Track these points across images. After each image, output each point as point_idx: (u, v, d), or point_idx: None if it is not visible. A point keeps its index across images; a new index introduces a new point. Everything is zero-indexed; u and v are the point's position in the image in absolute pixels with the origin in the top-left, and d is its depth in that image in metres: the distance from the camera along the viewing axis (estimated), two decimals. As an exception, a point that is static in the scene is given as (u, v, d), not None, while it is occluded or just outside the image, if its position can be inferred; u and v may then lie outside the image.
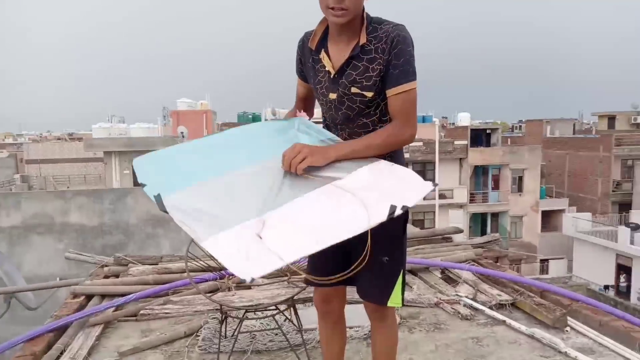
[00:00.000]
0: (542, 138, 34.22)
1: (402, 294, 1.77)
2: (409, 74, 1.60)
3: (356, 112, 1.68)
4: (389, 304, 1.76)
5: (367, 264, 1.68)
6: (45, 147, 25.22)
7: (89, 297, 3.43)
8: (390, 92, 1.62)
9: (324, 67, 1.69)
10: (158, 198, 1.51)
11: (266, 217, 1.43)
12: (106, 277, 3.86)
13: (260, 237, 1.36)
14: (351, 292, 1.92)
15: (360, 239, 1.56)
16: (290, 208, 1.47)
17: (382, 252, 1.69)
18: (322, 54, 1.69)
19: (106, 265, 4.02)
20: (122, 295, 3.35)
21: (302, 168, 1.55)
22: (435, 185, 1.61)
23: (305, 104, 1.93)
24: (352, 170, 1.57)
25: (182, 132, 25.62)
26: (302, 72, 1.82)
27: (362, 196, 1.46)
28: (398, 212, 1.41)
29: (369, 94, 1.63)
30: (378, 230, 1.52)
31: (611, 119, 37.72)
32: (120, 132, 22.19)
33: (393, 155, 1.72)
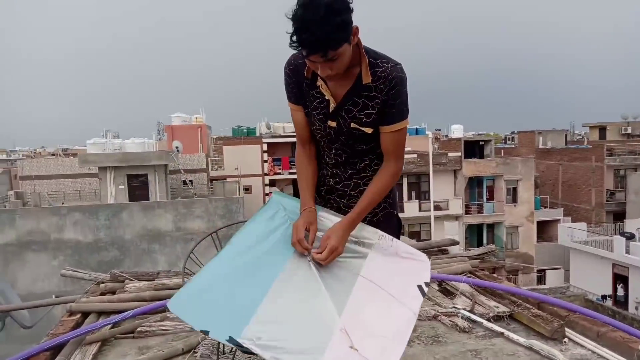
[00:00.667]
0: (534, 149, 34.47)
1: None
2: (404, 113, 1.69)
3: (355, 139, 1.75)
4: None
5: None
6: (40, 163, 25.13)
7: (86, 314, 3.40)
8: (385, 129, 1.69)
9: (322, 95, 1.70)
10: (232, 340, 1.42)
11: (342, 325, 1.49)
12: (102, 294, 3.83)
13: (357, 349, 1.44)
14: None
15: None
16: (351, 311, 1.55)
17: None
18: (320, 83, 1.68)
19: (102, 282, 3.99)
20: (119, 312, 3.32)
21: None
22: (429, 257, 1.83)
23: (306, 134, 1.84)
24: (361, 253, 1.73)
25: (177, 147, 25.64)
26: (298, 95, 1.76)
27: (393, 291, 1.63)
28: (425, 289, 1.63)
29: (368, 130, 1.70)
30: None
31: (602, 129, 38.13)
32: (115, 148, 22.16)
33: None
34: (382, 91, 1.64)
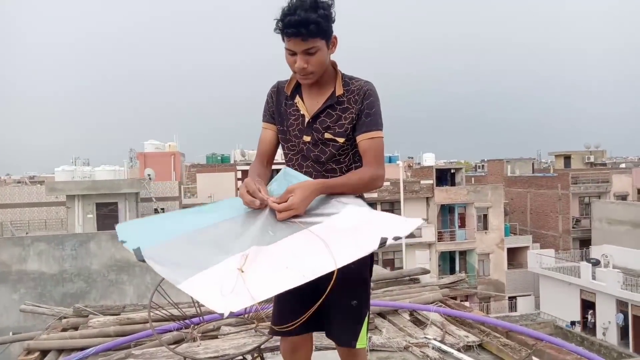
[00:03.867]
0: (503, 177, 35.46)
1: (367, 334, 1.85)
2: (378, 124, 1.76)
3: (327, 155, 1.78)
4: (358, 346, 1.80)
5: (336, 307, 1.75)
6: (4, 191, 24.25)
7: (45, 352, 3.25)
8: (361, 137, 1.74)
9: (298, 111, 1.80)
10: (137, 250, 1.50)
11: (249, 251, 1.44)
12: (64, 329, 3.68)
13: (242, 271, 1.37)
14: (317, 338, 1.92)
15: (327, 287, 1.59)
16: (273, 247, 1.48)
17: (351, 296, 1.77)
18: (297, 99, 1.80)
19: (65, 317, 3.84)
20: (81, 349, 3.20)
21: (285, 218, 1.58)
22: (425, 219, 1.70)
23: (270, 153, 1.93)
24: (335, 212, 1.61)
25: (149, 175, 25.24)
26: (273, 115, 1.87)
27: (346, 234, 1.50)
28: (390, 242, 1.45)
29: (341, 140, 1.75)
30: (346, 275, 1.55)
31: (567, 158, 39.62)
32: (85, 175, 21.66)
33: (362, 197, 1.81)
34: (357, 102, 1.73)
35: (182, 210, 1.87)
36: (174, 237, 1.58)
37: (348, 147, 1.77)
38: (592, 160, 38.57)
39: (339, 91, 1.74)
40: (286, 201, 1.58)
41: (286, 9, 1.62)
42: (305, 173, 1.81)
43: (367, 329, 1.85)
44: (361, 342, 1.80)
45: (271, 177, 1.89)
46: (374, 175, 1.74)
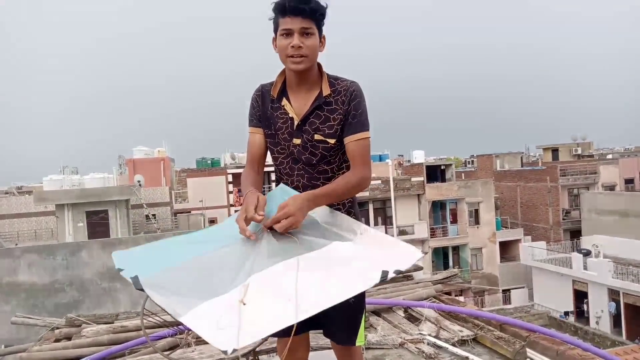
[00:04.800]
0: (493, 171, 35.72)
1: (364, 331, 1.87)
2: (365, 125, 1.76)
3: (318, 157, 1.77)
4: (357, 343, 1.83)
5: (335, 307, 1.71)
6: (-9, 203, 23.94)
7: (38, 364, 3.22)
8: (348, 139, 1.74)
9: (286, 114, 1.78)
10: (135, 279, 1.47)
11: (250, 281, 1.40)
12: (57, 340, 3.65)
13: (244, 303, 1.34)
14: (312, 338, 1.93)
15: None
16: (273, 272, 1.44)
17: None
18: (284, 102, 1.78)
19: (57, 328, 3.81)
20: (75, 359, 3.17)
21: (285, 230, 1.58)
22: (424, 253, 1.68)
23: (261, 158, 1.91)
24: (336, 238, 1.60)
25: (138, 181, 25.06)
26: (260, 119, 1.85)
27: (353, 265, 1.48)
28: (391, 275, 1.44)
29: (331, 141, 1.75)
30: None
31: (554, 151, 40.03)
32: (74, 184, 21.45)
33: (352, 200, 1.85)
34: (344, 103, 1.74)
35: (179, 237, 1.83)
36: (173, 266, 1.55)
37: (338, 148, 1.78)
38: (579, 152, 39.00)
39: (326, 91, 1.74)
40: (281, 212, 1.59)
41: None
42: (297, 175, 1.81)
43: (364, 327, 1.87)
44: (360, 340, 1.82)
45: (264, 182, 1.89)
46: (361, 179, 1.74)
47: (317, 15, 1.68)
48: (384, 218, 27.66)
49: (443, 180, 29.07)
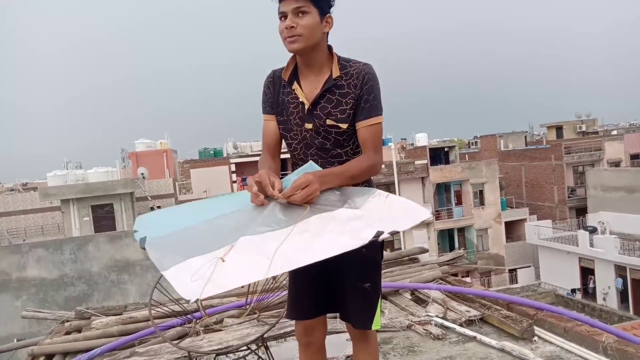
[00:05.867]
0: (497, 152, 35.55)
1: (380, 315, 1.88)
2: (378, 109, 1.73)
3: (332, 142, 1.76)
4: (373, 327, 1.83)
5: (351, 291, 1.79)
6: (-3, 200, 24.09)
7: (50, 356, 3.26)
8: (360, 125, 1.72)
9: (297, 98, 1.76)
10: (142, 239, 1.56)
11: (239, 242, 1.44)
12: (68, 333, 3.68)
13: (223, 260, 1.38)
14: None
15: (342, 267, 1.74)
16: (265, 237, 1.46)
17: (364, 279, 1.79)
18: (295, 86, 1.76)
19: (67, 321, 3.84)
20: (86, 351, 3.20)
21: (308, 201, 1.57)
22: (432, 214, 1.70)
23: (276, 145, 1.89)
24: (344, 205, 1.59)
25: (142, 174, 25.10)
26: (273, 105, 1.83)
27: (347, 225, 1.48)
28: (385, 236, 1.45)
29: (344, 126, 1.72)
30: (359, 259, 1.68)
31: (559, 129, 39.70)
32: (78, 179, 21.51)
33: (369, 181, 1.84)
34: (356, 86, 1.70)
35: (201, 201, 1.88)
36: (182, 228, 1.62)
37: (351, 132, 1.75)
38: (583, 129, 38.69)
39: (336, 73, 1.72)
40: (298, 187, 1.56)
41: None
42: (304, 150, 1.80)
43: (380, 311, 1.87)
44: (376, 324, 1.83)
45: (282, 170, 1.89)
46: (372, 164, 1.73)
47: None
48: (389, 202, 27.66)
49: (447, 162, 28.97)
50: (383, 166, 27.54)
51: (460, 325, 3.25)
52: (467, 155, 37.20)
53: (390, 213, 1.54)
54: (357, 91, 1.70)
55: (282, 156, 2.03)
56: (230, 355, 2.76)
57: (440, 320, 3.32)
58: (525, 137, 41.41)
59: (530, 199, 32.61)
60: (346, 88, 1.71)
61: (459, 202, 28.38)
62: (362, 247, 1.56)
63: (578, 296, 23.36)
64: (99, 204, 19.76)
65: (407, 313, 3.55)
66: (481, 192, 28.41)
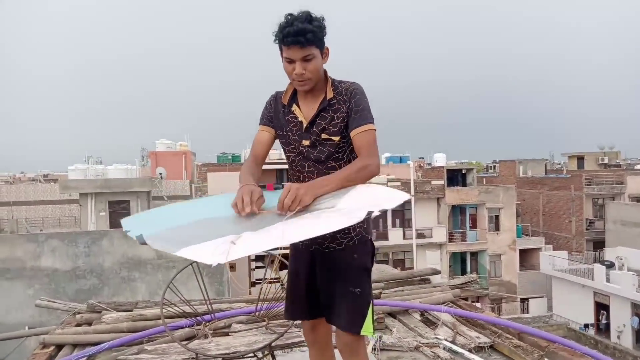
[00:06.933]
0: (515, 178, 35.10)
1: (372, 323, 1.92)
2: (368, 118, 1.86)
3: (326, 154, 1.90)
4: (362, 332, 1.89)
5: (341, 295, 1.88)
6: (19, 189, 24.62)
7: (60, 347, 3.30)
8: (353, 133, 1.85)
9: (296, 118, 1.94)
10: (140, 236, 1.62)
11: (243, 235, 1.52)
12: (78, 325, 3.73)
13: (234, 243, 1.46)
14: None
15: (334, 272, 1.89)
16: (264, 230, 1.57)
17: (353, 284, 1.89)
18: (294, 107, 1.94)
19: (79, 313, 3.90)
20: (95, 344, 3.24)
21: (295, 209, 1.66)
22: (412, 196, 1.80)
23: (264, 154, 2.06)
24: (333, 202, 1.71)
25: (160, 173, 25.43)
26: (271, 120, 2.02)
27: (337, 208, 1.63)
28: (376, 214, 1.55)
29: (336, 138, 1.88)
30: (349, 264, 1.88)
31: (580, 159, 39.11)
32: (97, 174, 21.89)
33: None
34: (346, 102, 1.87)
35: (183, 202, 2.02)
36: (176, 227, 1.72)
37: (344, 144, 1.89)
38: (606, 161, 38.03)
39: (330, 94, 1.88)
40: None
41: (284, 22, 1.79)
42: (307, 172, 1.93)
43: (373, 319, 1.92)
44: (367, 330, 1.88)
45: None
46: (365, 164, 1.80)
47: (316, 41, 1.79)
48: (402, 220, 27.46)
49: (464, 184, 28.70)
50: (399, 183, 27.45)
51: (470, 351, 3.20)
52: (484, 179, 36.83)
53: (375, 197, 1.69)
54: (346, 105, 1.86)
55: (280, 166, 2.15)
56: (237, 361, 2.76)
57: (449, 344, 3.28)
58: (546, 165, 40.87)
59: (547, 228, 32.05)
60: (337, 104, 1.87)
61: (474, 226, 28.03)
62: (354, 253, 1.89)
63: (591, 331, 22.75)
64: (116, 200, 20.04)
65: (416, 334, 3.52)
66: (497, 217, 28.04)
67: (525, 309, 26.96)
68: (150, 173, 26.55)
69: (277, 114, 2.00)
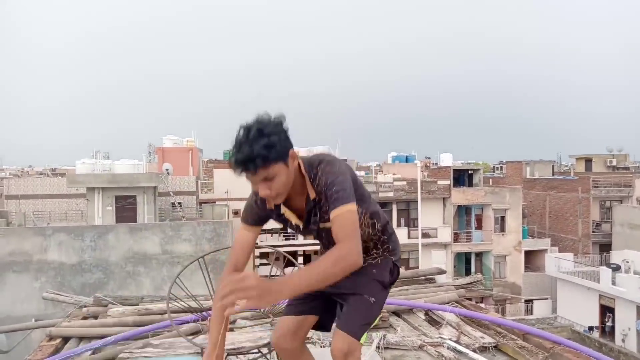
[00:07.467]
0: (522, 179, 34.91)
1: (367, 335, 2.01)
2: (344, 199, 1.73)
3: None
4: (361, 340, 1.92)
5: (355, 300, 1.90)
6: (26, 183, 24.81)
7: (66, 339, 3.33)
8: (331, 217, 1.73)
9: (290, 219, 1.89)
10: None
11: None
12: (84, 318, 3.77)
13: None
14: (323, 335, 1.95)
15: (355, 281, 1.86)
16: None
17: (370, 292, 1.92)
18: (284, 209, 1.87)
19: (85, 306, 3.93)
20: (101, 337, 3.27)
21: (236, 307, 1.43)
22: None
23: (243, 260, 1.91)
24: None
25: (167, 169, 25.53)
26: (261, 220, 1.92)
27: None
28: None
29: (330, 225, 1.81)
30: (370, 276, 1.93)
31: (588, 161, 38.81)
32: (104, 168, 22.01)
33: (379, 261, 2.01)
34: (322, 192, 1.78)
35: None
36: None
37: None
38: (614, 163, 37.72)
39: (312, 195, 1.80)
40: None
41: (234, 144, 1.65)
42: (323, 247, 1.98)
43: (366, 334, 2.00)
44: (364, 338, 1.94)
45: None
46: (341, 254, 1.62)
47: (271, 161, 1.64)
48: (407, 219, 27.42)
49: (470, 185, 28.60)
50: (404, 183, 27.26)
51: (474, 351, 3.20)
52: (491, 180, 36.64)
53: None
54: (324, 191, 1.76)
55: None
56: (241, 356, 2.77)
57: (453, 344, 3.28)
58: (553, 166, 40.58)
59: (553, 230, 31.87)
60: (320, 198, 1.79)
61: (479, 227, 27.94)
62: (374, 268, 1.94)
63: (595, 334, 22.63)
64: (123, 195, 20.14)
65: (420, 333, 3.52)
66: (503, 218, 27.92)
67: (529, 310, 26.85)
68: (157, 169, 26.67)
69: (268, 214, 1.91)
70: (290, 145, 1.72)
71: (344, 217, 1.69)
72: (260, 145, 1.61)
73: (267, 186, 1.68)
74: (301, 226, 1.88)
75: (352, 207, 1.72)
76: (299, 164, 1.79)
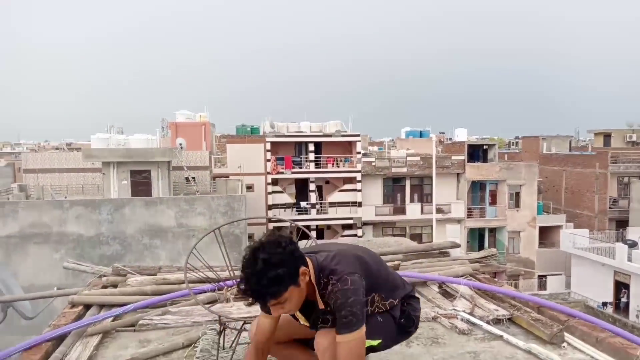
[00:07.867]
0: (538, 154, 34.42)
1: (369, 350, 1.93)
2: (351, 324, 1.73)
3: None
4: (352, 337, 1.88)
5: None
6: (44, 157, 25.21)
7: (87, 306, 3.42)
8: (337, 339, 1.75)
9: (298, 318, 1.93)
10: None
11: None
12: (104, 287, 3.86)
13: None
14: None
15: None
16: None
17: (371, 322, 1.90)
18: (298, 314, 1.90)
19: (104, 276, 4.02)
20: (121, 305, 3.35)
21: None
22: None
23: (264, 339, 1.97)
24: None
25: (180, 144, 25.68)
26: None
27: None
28: None
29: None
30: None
31: (607, 136, 38.01)
32: (119, 143, 22.21)
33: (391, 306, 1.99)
34: (332, 306, 1.78)
35: None
36: None
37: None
38: (634, 139, 36.90)
39: (321, 306, 1.82)
40: None
41: (242, 275, 1.67)
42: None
43: (372, 350, 1.94)
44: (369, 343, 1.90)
45: None
46: None
47: (280, 292, 1.68)
48: (421, 195, 27.35)
49: (485, 160, 28.31)
50: (418, 158, 27.05)
51: (488, 323, 3.21)
52: (506, 155, 36.22)
53: None
54: (333, 309, 1.77)
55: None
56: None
57: (467, 316, 3.29)
58: (570, 142, 39.89)
59: (569, 206, 31.53)
60: (326, 307, 1.81)
61: (493, 202, 27.76)
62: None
63: (609, 310, 22.61)
64: (138, 169, 20.37)
65: (434, 305, 3.54)
66: (517, 194, 27.68)
67: (542, 285, 26.86)
68: (170, 143, 26.84)
69: None
70: (300, 264, 1.72)
71: (350, 347, 1.71)
72: (269, 280, 1.63)
73: (280, 308, 1.74)
74: (308, 325, 1.91)
75: (359, 334, 1.73)
76: (309, 278, 1.80)
